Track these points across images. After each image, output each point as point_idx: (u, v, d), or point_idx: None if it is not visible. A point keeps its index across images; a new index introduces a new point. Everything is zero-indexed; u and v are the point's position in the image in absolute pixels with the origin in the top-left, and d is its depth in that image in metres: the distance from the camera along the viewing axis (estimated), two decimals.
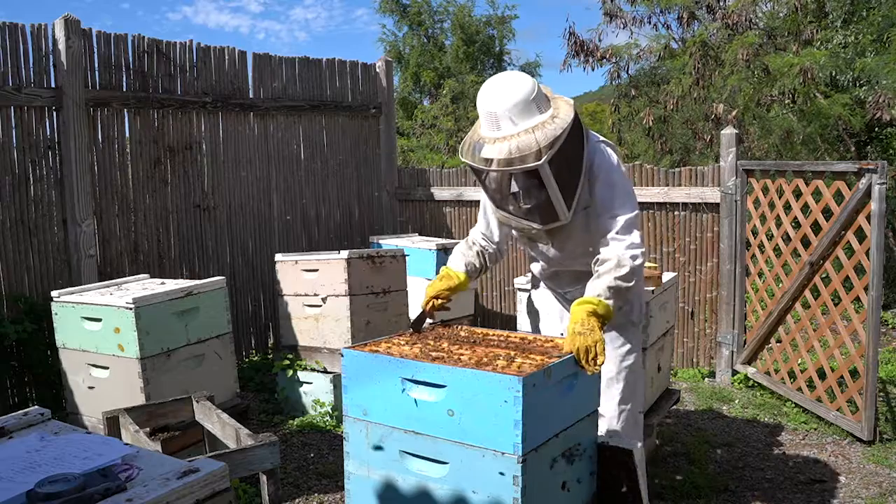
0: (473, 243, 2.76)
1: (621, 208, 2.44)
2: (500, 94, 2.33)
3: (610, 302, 2.29)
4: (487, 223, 2.77)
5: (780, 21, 8.14)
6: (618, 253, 2.38)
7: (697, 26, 8.63)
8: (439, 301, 2.60)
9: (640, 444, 2.57)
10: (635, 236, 2.43)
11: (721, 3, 8.39)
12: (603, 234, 2.45)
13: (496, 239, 2.75)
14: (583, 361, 2.08)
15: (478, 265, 2.72)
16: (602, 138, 2.57)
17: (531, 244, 2.74)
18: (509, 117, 2.31)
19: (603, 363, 2.12)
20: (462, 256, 2.72)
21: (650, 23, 8.93)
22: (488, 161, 2.32)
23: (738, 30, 7.87)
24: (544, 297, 2.90)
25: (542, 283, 2.91)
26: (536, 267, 2.88)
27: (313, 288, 4.40)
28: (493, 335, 2.36)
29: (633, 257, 2.38)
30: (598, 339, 2.12)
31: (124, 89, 4.78)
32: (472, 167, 2.43)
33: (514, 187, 2.50)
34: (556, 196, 2.37)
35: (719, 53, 7.92)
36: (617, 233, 2.42)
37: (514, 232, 2.72)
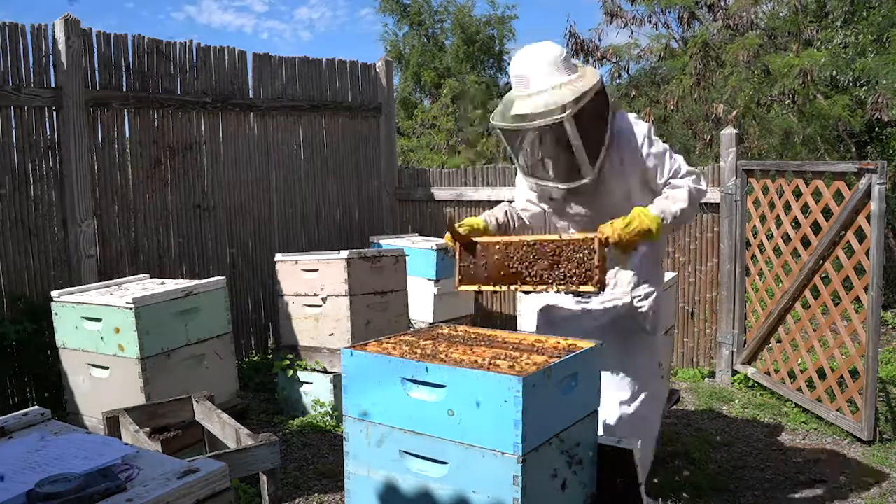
0: (505, 203, 2.91)
1: (674, 157, 2.61)
2: (530, 56, 2.51)
3: (668, 226, 2.47)
4: (515, 198, 2.93)
5: (780, 21, 8.14)
6: (689, 186, 2.55)
7: (698, 26, 8.63)
8: (461, 227, 2.65)
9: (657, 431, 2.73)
10: (700, 180, 2.61)
11: (722, 3, 8.39)
12: (671, 178, 2.61)
13: (521, 207, 2.90)
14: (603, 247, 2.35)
15: (500, 220, 2.79)
16: (635, 115, 2.70)
17: (564, 210, 2.80)
18: (538, 76, 2.47)
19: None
20: (487, 213, 2.83)
21: (650, 22, 8.94)
22: (520, 117, 2.47)
23: (739, 30, 7.87)
24: (545, 296, 2.92)
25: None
26: None
27: (313, 288, 4.40)
28: (493, 335, 2.36)
29: (699, 191, 2.57)
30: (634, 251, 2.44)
31: (124, 89, 4.78)
32: (502, 129, 2.57)
33: (541, 150, 2.61)
34: (580, 151, 2.48)
35: (720, 54, 7.92)
36: (684, 175, 2.59)
37: (544, 206, 2.84)
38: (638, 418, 2.76)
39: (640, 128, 2.61)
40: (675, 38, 9.10)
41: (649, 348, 2.83)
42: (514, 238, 2.51)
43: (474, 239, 2.59)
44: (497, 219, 2.78)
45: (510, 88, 2.62)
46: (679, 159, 2.62)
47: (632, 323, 2.78)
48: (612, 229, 2.37)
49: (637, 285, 2.79)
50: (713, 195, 4.96)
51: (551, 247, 2.39)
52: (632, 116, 2.65)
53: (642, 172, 2.62)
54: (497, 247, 2.52)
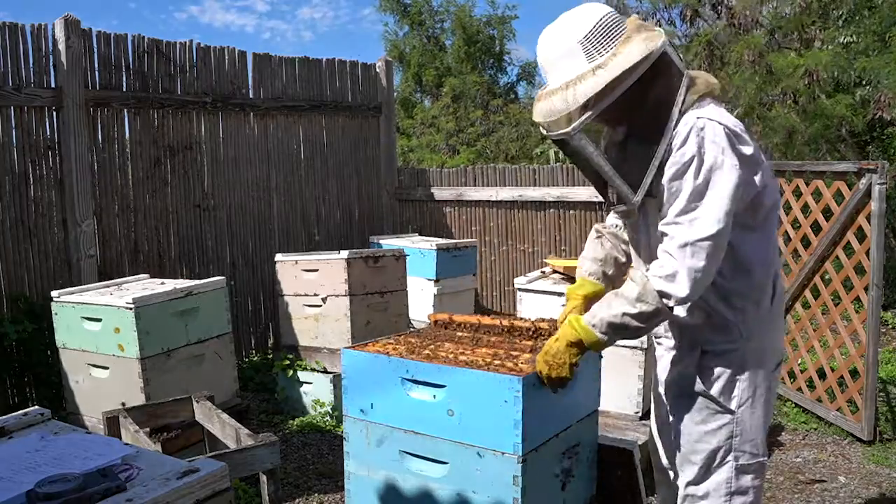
0: (600, 229, 2.15)
1: (693, 212, 1.72)
2: (550, 36, 1.81)
3: (605, 338, 1.82)
4: None
5: (784, 21, 8.13)
6: (648, 280, 1.77)
7: (701, 24, 8.63)
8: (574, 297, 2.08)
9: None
10: (682, 275, 1.71)
11: (725, 1, 8.39)
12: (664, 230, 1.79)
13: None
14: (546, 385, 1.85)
15: (611, 273, 2.10)
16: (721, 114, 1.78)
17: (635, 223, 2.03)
18: (555, 66, 1.80)
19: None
20: (585, 261, 2.13)
21: (654, 19, 8.93)
22: (536, 124, 1.88)
23: (744, 29, 7.87)
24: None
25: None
26: None
27: (313, 288, 4.40)
28: (493, 336, 2.35)
29: (663, 295, 1.74)
30: (567, 378, 1.82)
31: (124, 89, 4.78)
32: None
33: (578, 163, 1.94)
34: (607, 173, 1.80)
35: (724, 53, 7.92)
36: (669, 248, 1.75)
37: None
38: None
39: (690, 145, 1.72)
40: (678, 36, 9.10)
41: (720, 426, 1.96)
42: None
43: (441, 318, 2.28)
44: (606, 273, 2.08)
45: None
46: (706, 237, 1.70)
47: (693, 386, 1.98)
48: (538, 361, 1.82)
49: (706, 352, 1.97)
50: None
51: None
52: (707, 115, 1.74)
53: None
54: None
